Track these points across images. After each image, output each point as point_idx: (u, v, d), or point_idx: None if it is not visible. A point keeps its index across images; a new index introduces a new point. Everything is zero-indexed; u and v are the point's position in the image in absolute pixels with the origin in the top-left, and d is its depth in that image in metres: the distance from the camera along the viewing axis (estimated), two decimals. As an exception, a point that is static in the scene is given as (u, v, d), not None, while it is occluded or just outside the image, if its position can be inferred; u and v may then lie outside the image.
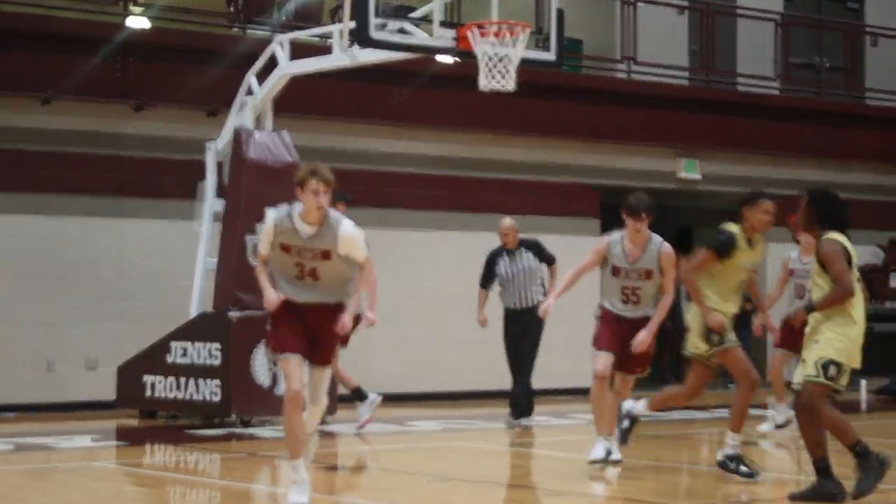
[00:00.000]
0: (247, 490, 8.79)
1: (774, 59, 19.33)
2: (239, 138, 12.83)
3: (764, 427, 11.86)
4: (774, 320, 11.51)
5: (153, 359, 12.85)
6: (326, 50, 12.64)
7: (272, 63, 12.97)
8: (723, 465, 8.56)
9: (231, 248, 12.60)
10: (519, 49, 11.39)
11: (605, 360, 9.08)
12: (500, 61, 11.34)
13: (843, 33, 20.61)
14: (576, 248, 13.68)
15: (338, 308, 7.47)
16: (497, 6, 11.50)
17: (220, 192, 13.17)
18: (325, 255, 7.38)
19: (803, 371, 7.62)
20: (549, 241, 13.14)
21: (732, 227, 8.71)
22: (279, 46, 12.92)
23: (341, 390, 12.14)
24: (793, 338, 10.53)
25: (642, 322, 9.07)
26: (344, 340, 7.95)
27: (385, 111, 15.75)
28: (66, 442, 11.09)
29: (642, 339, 8.99)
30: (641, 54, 17.98)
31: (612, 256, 9.08)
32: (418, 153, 16.26)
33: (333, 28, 12.52)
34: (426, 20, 11.83)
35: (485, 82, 11.36)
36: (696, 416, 13.94)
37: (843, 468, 7.69)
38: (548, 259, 12.75)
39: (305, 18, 15.56)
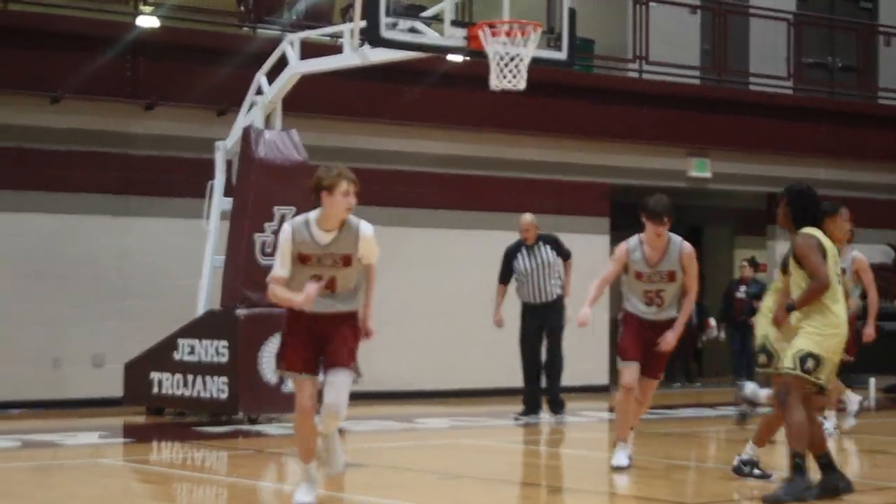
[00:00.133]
0: (253, 487, 8.77)
1: (787, 59, 19.26)
2: (248, 137, 12.81)
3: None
4: None
5: (160, 356, 12.85)
6: (337, 49, 12.61)
7: (282, 62, 12.94)
8: (737, 469, 8.50)
9: (239, 247, 12.58)
10: (530, 48, 11.36)
11: (632, 372, 8.97)
12: (511, 61, 11.30)
13: (855, 33, 20.54)
14: (585, 246, 13.75)
15: (350, 315, 7.32)
16: (508, 5, 11.47)
17: (229, 190, 13.18)
18: (346, 261, 7.22)
19: (783, 364, 7.58)
20: (559, 240, 13.18)
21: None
22: (289, 46, 12.90)
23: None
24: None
25: (667, 324, 8.98)
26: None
27: (395, 110, 15.73)
28: (72, 439, 11.08)
29: (669, 340, 8.92)
30: (653, 54, 17.93)
31: (633, 262, 8.95)
32: (428, 152, 16.25)
33: (344, 27, 12.50)
34: (437, 19, 11.80)
35: (496, 82, 11.33)
36: (704, 414, 13.93)
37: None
38: (564, 254, 13.00)
39: (316, 18, 15.58)
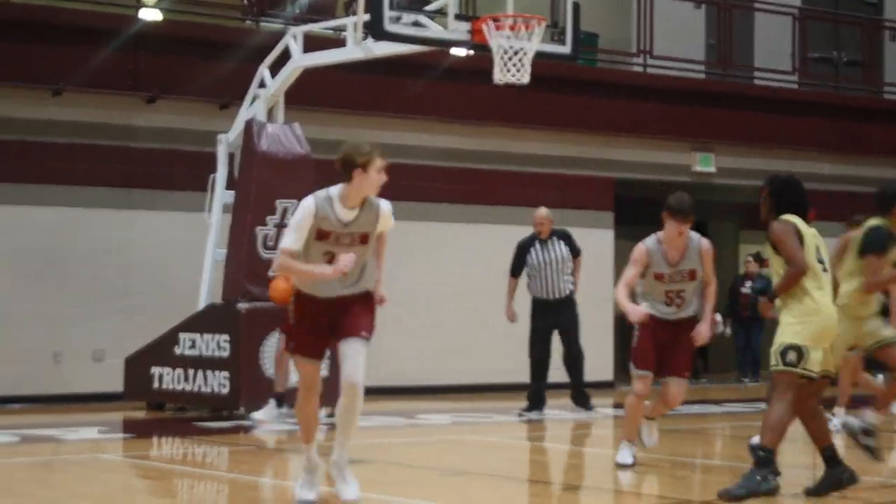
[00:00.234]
0: (255, 483, 8.72)
1: (792, 54, 19.20)
2: (250, 130, 12.79)
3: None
4: None
5: (161, 350, 12.81)
6: (340, 42, 12.62)
7: (285, 56, 12.91)
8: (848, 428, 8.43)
9: (241, 240, 12.55)
10: (534, 42, 11.31)
11: (645, 382, 8.86)
12: (515, 54, 11.26)
13: (861, 27, 20.46)
14: (589, 241, 13.68)
15: (364, 296, 7.10)
16: (512, -1, 11.44)
17: (231, 184, 13.13)
18: (364, 240, 7.03)
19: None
20: (563, 234, 13.15)
21: (879, 222, 8.56)
22: (292, 39, 12.86)
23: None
24: None
25: (687, 322, 8.86)
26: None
27: (399, 104, 15.68)
28: (72, 434, 11.02)
29: (703, 332, 8.78)
30: (658, 48, 17.87)
31: (654, 263, 8.79)
32: (431, 146, 16.20)
33: (347, 21, 12.46)
34: (441, 13, 11.75)
35: (499, 75, 11.29)
36: (710, 411, 13.88)
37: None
38: (576, 251, 12.97)
39: (319, 11, 15.54)
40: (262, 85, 13.06)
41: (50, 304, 13.93)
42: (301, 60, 12.77)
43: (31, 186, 13.95)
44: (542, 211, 12.99)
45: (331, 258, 6.94)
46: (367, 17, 11.49)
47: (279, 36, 13.25)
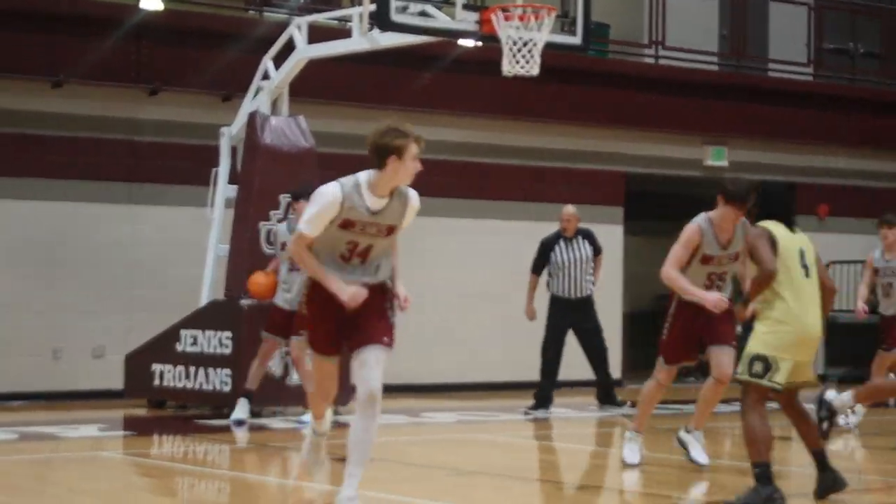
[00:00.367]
0: (256, 481, 8.66)
1: (807, 45, 19.04)
2: (253, 123, 12.70)
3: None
4: None
5: (162, 347, 12.71)
6: (345, 33, 12.52)
7: (289, 47, 12.81)
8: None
9: (243, 236, 12.45)
10: (544, 33, 11.19)
11: (670, 373, 8.78)
12: (524, 45, 11.16)
13: (878, 18, 20.25)
14: (600, 234, 13.52)
15: (378, 287, 6.65)
16: (522, -11, 11.31)
17: (234, 178, 13.03)
18: (390, 231, 6.56)
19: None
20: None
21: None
22: (297, 30, 12.76)
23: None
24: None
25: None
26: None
27: (405, 96, 15.53)
28: (72, 431, 10.97)
29: (745, 311, 8.60)
30: (670, 39, 17.71)
31: (705, 244, 8.54)
32: (439, 139, 15.98)
33: (353, 11, 12.38)
34: (448, 3, 11.67)
35: (508, 67, 11.19)
36: (718, 410, 13.66)
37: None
38: (598, 249, 12.96)
39: (324, 1, 15.47)
40: (265, 77, 12.96)
41: (50, 299, 13.82)
42: (305, 52, 12.67)
43: (30, 180, 13.82)
44: (570, 208, 12.94)
45: (353, 248, 6.53)
46: (372, 7, 11.36)
47: (283, 26, 13.14)
